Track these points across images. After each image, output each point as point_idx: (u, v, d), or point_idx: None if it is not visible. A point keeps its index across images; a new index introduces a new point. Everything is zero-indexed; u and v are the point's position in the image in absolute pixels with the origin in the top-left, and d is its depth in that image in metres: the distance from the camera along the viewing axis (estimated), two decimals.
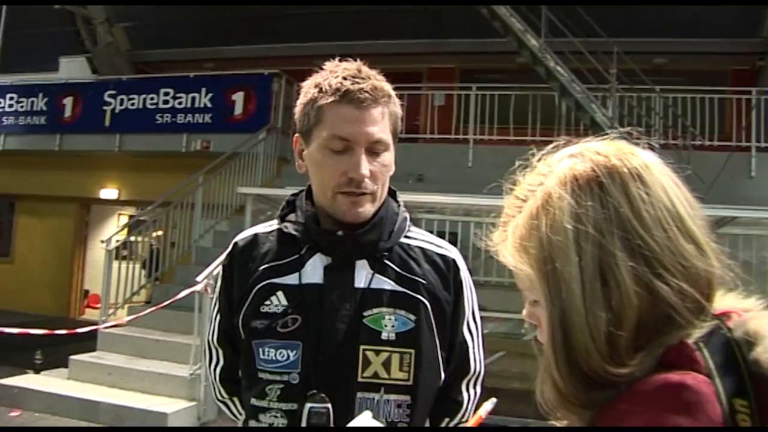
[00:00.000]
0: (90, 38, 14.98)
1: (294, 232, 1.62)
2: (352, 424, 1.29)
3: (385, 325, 1.53)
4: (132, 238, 10.86)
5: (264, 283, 1.59)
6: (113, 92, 12.84)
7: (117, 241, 9.10)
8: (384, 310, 1.54)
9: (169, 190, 10.02)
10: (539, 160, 0.98)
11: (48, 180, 13.96)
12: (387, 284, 1.57)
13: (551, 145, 0.99)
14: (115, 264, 9.50)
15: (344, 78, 1.54)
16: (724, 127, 10.72)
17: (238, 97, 12.11)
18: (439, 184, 10.07)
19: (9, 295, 14.08)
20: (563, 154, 0.96)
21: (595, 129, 10.03)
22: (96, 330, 7.91)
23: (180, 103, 12.34)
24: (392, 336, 1.53)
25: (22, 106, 13.60)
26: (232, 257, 1.69)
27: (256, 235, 1.69)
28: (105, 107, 12.79)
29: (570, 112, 10.61)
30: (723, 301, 0.92)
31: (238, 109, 12.02)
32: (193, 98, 12.30)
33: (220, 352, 1.73)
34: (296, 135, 1.65)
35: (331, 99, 1.53)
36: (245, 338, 1.60)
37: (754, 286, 0.96)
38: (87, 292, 15.23)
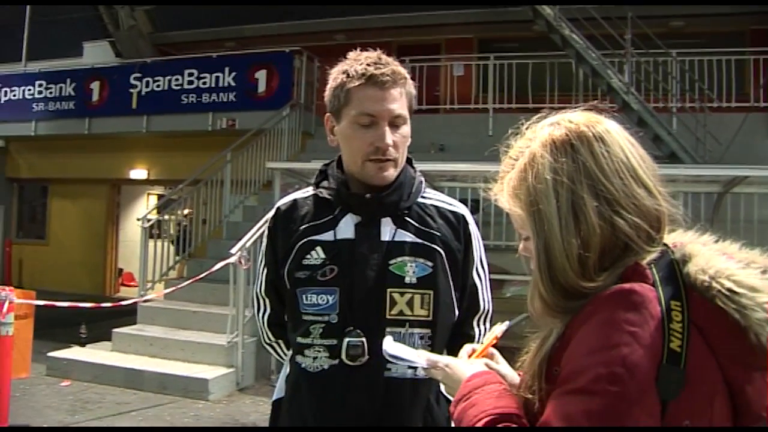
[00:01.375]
0: (112, 22, 15.22)
1: (328, 196, 1.91)
2: (387, 342, 1.56)
3: (408, 271, 1.82)
4: (165, 217, 11.20)
5: (305, 240, 1.88)
6: (138, 75, 13.11)
7: (148, 220, 9.38)
8: (406, 258, 1.83)
9: (199, 169, 10.31)
10: (527, 128, 1.27)
11: (79, 163, 14.40)
12: (408, 237, 1.86)
13: (536, 116, 1.27)
14: (150, 243, 9.85)
15: (368, 65, 1.82)
16: (743, 89, 10.76)
17: (261, 75, 12.34)
18: (461, 153, 10.26)
19: (46, 276, 14.56)
20: (544, 123, 1.25)
21: (612, 94, 10.18)
22: (136, 304, 8.27)
23: (204, 83, 12.60)
24: (414, 280, 1.83)
25: (51, 92, 13.95)
26: (276, 220, 1.99)
27: (295, 200, 1.98)
28: (131, 90, 13.10)
29: (587, 79, 10.68)
30: (677, 236, 1.22)
31: (262, 87, 12.25)
32: (217, 78, 12.55)
33: (267, 301, 2.03)
34: (327, 114, 1.92)
35: (357, 83, 1.81)
36: (290, 287, 1.89)
37: None
38: (121, 270, 15.67)
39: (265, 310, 2.05)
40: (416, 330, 1.82)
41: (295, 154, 11.48)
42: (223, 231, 10.37)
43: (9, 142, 15.37)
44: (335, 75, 1.89)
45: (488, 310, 2.01)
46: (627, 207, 1.13)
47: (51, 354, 7.75)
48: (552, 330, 1.18)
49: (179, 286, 7.51)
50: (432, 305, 1.83)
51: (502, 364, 1.43)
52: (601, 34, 10.33)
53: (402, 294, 1.81)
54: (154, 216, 9.60)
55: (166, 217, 10.71)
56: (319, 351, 1.83)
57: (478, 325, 1.98)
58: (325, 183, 1.95)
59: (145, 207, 15.75)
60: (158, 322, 8.37)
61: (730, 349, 1.06)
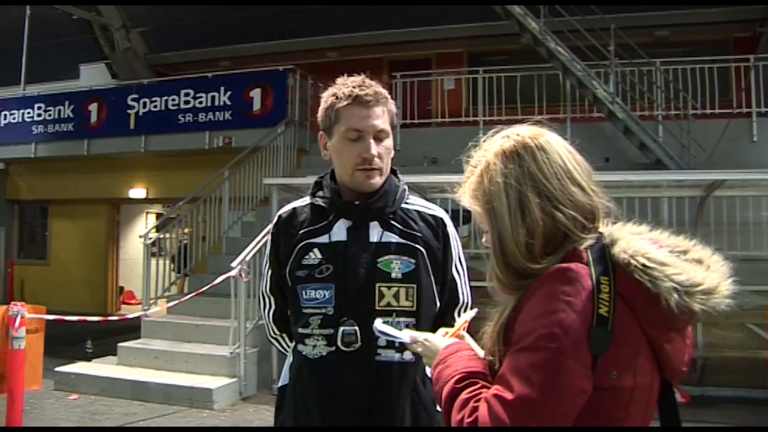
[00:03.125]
0: (108, 44, 15.55)
1: (323, 204, 2.21)
2: (376, 323, 1.84)
3: (394, 268, 2.11)
4: (164, 235, 11.43)
5: (303, 242, 2.17)
6: (135, 96, 13.39)
7: (150, 238, 9.60)
8: (392, 257, 2.12)
9: (197, 187, 10.55)
10: (484, 141, 1.56)
11: (78, 183, 14.64)
12: (393, 238, 2.16)
13: (492, 131, 1.56)
14: (152, 260, 10.09)
15: (354, 87, 2.12)
16: (727, 95, 11.01)
17: (256, 94, 12.59)
18: (453, 165, 10.49)
19: (48, 295, 14.62)
20: (498, 136, 1.53)
21: (598, 104, 10.47)
22: (140, 319, 8.51)
23: (200, 103, 12.86)
24: (399, 275, 2.12)
25: (50, 115, 14.21)
26: (278, 226, 2.28)
27: (294, 209, 2.28)
28: (129, 111, 13.36)
29: (575, 90, 10.98)
30: (616, 227, 1.49)
31: (257, 105, 12.51)
32: (213, 97, 12.82)
33: (272, 299, 2.32)
34: (320, 132, 2.22)
35: (345, 103, 2.11)
36: (292, 285, 2.17)
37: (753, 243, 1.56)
38: (122, 288, 15.87)
39: (270, 307, 2.34)
40: (402, 319, 2.09)
41: (290, 170, 11.74)
42: (222, 247, 10.59)
43: (9, 165, 15.61)
44: (326, 98, 2.19)
45: (467, 302, 2.29)
46: (564, 203, 1.40)
47: (58, 369, 7.98)
48: (508, 304, 1.45)
49: (183, 299, 7.76)
50: (416, 297, 2.11)
51: (470, 342, 1.69)
52: (585, 46, 10.64)
53: (389, 288, 2.10)
54: (155, 234, 9.81)
55: (167, 235, 10.89)
56: (318, 339, 2.11)
57: (459, 315, 2.25)
58: (320, 193, 2.24)
59: (144, 225, 15.98)
60: (162, 336, 8.59)
61: (649, 313, 1.33)
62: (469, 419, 1.33)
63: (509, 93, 11.56)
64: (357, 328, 2.06)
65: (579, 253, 1.38)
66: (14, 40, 15.45)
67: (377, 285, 2.09)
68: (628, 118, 10.16)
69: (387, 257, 2.11)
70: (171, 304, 8.12)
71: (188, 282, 10.40)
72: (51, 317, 6.15)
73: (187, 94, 13.01)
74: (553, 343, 1.28)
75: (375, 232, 2.14)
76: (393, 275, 2.10)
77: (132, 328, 8.98)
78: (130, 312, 11.65)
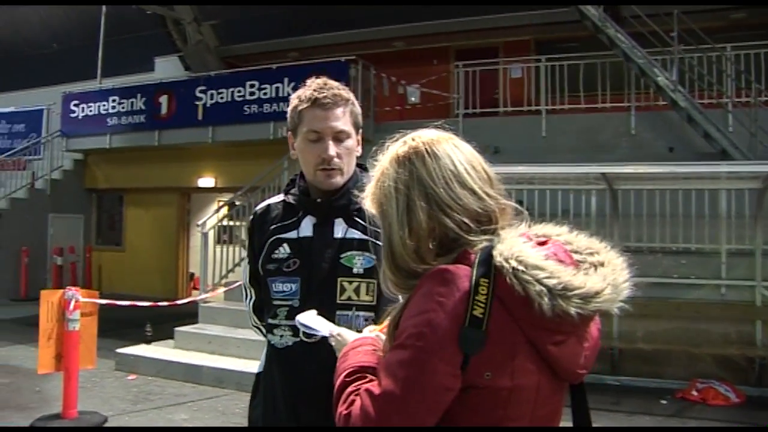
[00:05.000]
0: (180, 38, 15.99)
1: (293, 202, 2.28)
2: (302, 315, 1.90)
3: (356, 263, 2.16)
4: (230, 223, 11.75)
5: (274, 237, 2.25)
6: (203, 88, 13.77)
7: (210, 226, 9.90)
8: (355, 252, 2.17)
9: (256, 176, 10.79)
10: (389, 145, 1.56)
11: (151, 173, 15.21)
12: (356, 234, 2.20)
13: (398, 135, 1.57)
14: (217, 248, 10.42)
15: (314, 90, 2.19)
16: None
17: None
18: (515, 155, 10.43)
19: (123, 281, 15.44)
20: (399, 141, 1.54)
21: (660, 92, 10.19)
22: (196, 304, 8.80)
23: (265, 94, 13.11)
24: (361, 270, 2.17)
25: (123, 107, 14.79)
26: (253, 222, 2.37)
27: (269, 205, 2.36)
28: (197, 102, 13.76)
29: (640, 78, 10.71)
30: (542, 228, 1.54)
31: None
32: (277, 88, 13.04)
33: (252, 290, 2.41)
34: (289, 133, 2.30)
35: (306, 105, 2.18)
36: (263, 277, 2.26)
37: None
38: (192, 275, 16.35)
39: (250, 298, 2.43)
40: (362, 313, 2.15)
41: None
42: None
43: (87, 155, 16.34)
44: (292, 100, 2.27)
45: None
46: (453, 207, 1.42)
47: (119, 350, 8.37)
48: (400, 302, 1.49)
49: (233, 286, 7.96)
50: (375, 292, 2.16)
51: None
52: (650, 32, 10.35)
53: (350, 282, 2.16)
54: (213, 222, 10.08)
55: (231, 223, 11.19)
56: (285, 330, 2.19)
57: None
58: (293, 190, 2.32)
59: (215, 214, 16.42)
60: (218, 321, 8.86)
61: (526, 315, 1.33)
62: (346, 411, 1.39)
63: (572, 81, 11.41)
64: None
65: (467, 255, 1.40)
66: (92, 36, 16.08)
67: (339, 279, 2.15)
68: (691, 106, 9.86)
69: (350, 253, 2.17)
70: (223, 290, 8.35)
71: None
72: (103, 301, 6.44)
73: (252, 86, 13.28)
74: (420, 342, 1.31)
75: (339, 229, 2.20)
76: (354, 270, 2.16)
77: (194, 314, 9.28)
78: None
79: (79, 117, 15.48)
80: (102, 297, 6.58)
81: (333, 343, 1.73)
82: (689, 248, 8.59)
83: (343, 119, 2.19)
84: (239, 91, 13.40)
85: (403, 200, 1.45)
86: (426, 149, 1.48)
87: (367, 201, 1.57)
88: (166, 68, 16.19)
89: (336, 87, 2.22)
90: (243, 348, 8.07)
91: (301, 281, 2.18)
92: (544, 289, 1.31)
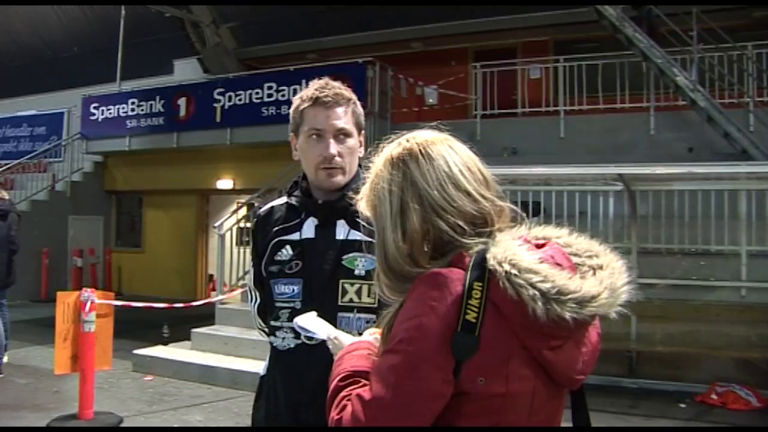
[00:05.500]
0: (199, 41, 16.11)
1: (295, 203, 2.27)
2: (301, 317, 1.87)
3: (357, 265, 2.14)
4: (248, 224, 11.75)
5: (277, 239, 2.25)
6: (222, 90, 13.83)
7: (227, 228, 9.92)
8: (357, 254, 2.15)
9: (272, 178, 10.80)
10: (384, 146, 1.54)
11: (169, 175, 15.30)
12: (358, 236, 2.17)
13: (394, 136, 1.55)
14: (235, 249, 10.44)
15: (315, 89, 2.20)
16: None
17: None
18: (533, 156, 10.38)
19: (142, 282, 15.55)
20: (393, 142, 1.52)
21: (680, 92, 10.08)
22: (213, 306, 8.83)
23: (283, 96, 13.09)
24: (363, 272, 2.14)
25: (142, 109, 14.89)
26: (256, 224, 2.36)
27: (272, 207, 2.35)
28: (215, 104, 13.81)
29: (659, 78, 10.61)
30: (541, 230, 1.51)
31: None
32: (295, 90, 12.98)
33: (256, 293, 2.39)
34: (291, 134, 2.29)
35: (307, 104, 2.20)
36: (266, 278, 2.25)
37: None
38: (211, 276, 16.39)
39: (255, 300, 2.41)
40: (363, 315, 2.13)
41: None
42: None
43: (107, 157, 16.49)
44: (295, 100, 2.27)
45: None
46: (447, 210, 1.39)
47: (136, 351, 8.41)
48: (394, 306, 1.46)
49: (245, 288, 7.94)
50: (377, 294, 2.10)
51: None
52: (668, 31, 10.26)
53: (352, 284, 2.14)
54: (228, 224, 10.11)
55: (242, 224, 11.21)
56: (287, 332, 2.18)
57: None
58: (295, 192, 2.31)
59: (236, 215, 16.48)
60: (234, 322, 8.87)
61: (520, 320, 1.30)
62: (337, 416, 1.37)
63: (590, 82, 11.32)
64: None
65: (462, 258, 1.38)
66: (112, 39, 16.20)
67: (341, 281, 2.14)
68: (711, 106, 9.74)
69: (352, 254, 2.15)
70: (237, 292, 8.37)
71: None
72: (118, 303, 6.47)
73: (270, 87, 13.30)
74: (411, 347, 1.29)
75: (342, 230, 2.18)
76: (356, 272, 2.14)
77: (211, 315, 9.31)
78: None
79: (99, 119, 15.61)
80: (122, 298, 6.63)
81: (330, 347, 1.70)
82: (708, 249, 8.49)
83: (344, 118, 2.19)
84: (257, 93, 13.43)
85: (396, 202, 1.43)
86: (420, 150, 1.46)
87: (362, 203, 1.55)
88: (185, 71, 16.28)
89: (337, 87, 2.23)
90: (258, 349, 8.05)
91: (303, 283, 2.17)
92: (537, 293, 1.28)
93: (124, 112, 15.14)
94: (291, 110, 2.27)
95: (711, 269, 8.13)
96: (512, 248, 1.35)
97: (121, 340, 8.02)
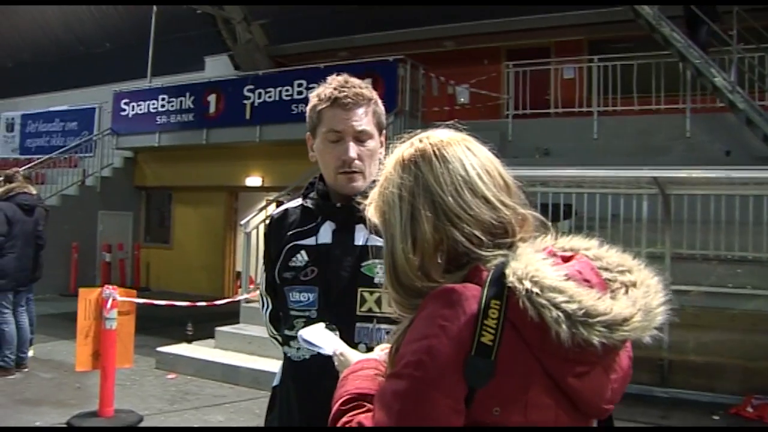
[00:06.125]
0: (230, 37, 16.08)
1: (311, 206, 2.14)
2: (306, 330, 1.74)
3: (377, 272, 2.00)
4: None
5: (291, 244, 2.11)
6: (251, 87, 13.79)
7: (254, 226, 9.85)
8: (376, 261, 1.99)
9: (301, 176, 10.71)
10: (397, 145, 1.40)
11: (199, 171, 15.32)
12: (379, 242, 1.99)
13: (407, 135, 1.41)
14: (262, 247, 10.32)
15: (334, 88, 2.06)
16: None
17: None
18: (565, 157, 10.19)
19: (170, 278, 15.61)
20: (406, 142, 1.38)
21: (718, 94, 9.82)
22: (238, 304, 8.76)
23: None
24: (383, 280, 1.97)
25: (172, 106, 14.93)
26: (270, 227, 2.24)
27: (286, 210, 2.23)
28: (245, 101, 13.78)
29: (696, 79, 10.35)
30: (568, 241, 1.36)
31: None
32: None
33: (268, 299, 2.27)
34: (308, 133, 2.16)
35: (325, 105, 2.06)
36: (279, 285, 2.12)
37: None
38: (239, 273, 16.37)
39: (267, 307, 2.30)
40: (383, 326, 1.98)
41: None
42: None
43: (137, 153, 16.57)
44: (312, 99, 2.14)
45: None
46: (462, 218, 1.25)
47: (159, 349, 8.39)
48: (403, 323, 1.32)
49: None
50: None
51: None
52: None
53: (371, 293, 2.00)
54: (255, 222, 10.03)
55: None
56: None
57: None
58: (311, 194, 2.17)
59: (263, 213, 16.44)
60: (258, 322, 8.73)
61: (542, 344, 1.15)
62: None
63: (625, 82, 11.09)
64: (337, 333, 1.93)
65: (478, 273, 1.23)
66: (144, 35, 16.27)
67: (359, 290, 2.00)
68: (750, 108, 9.47)
69: (371, 261, 2.01)
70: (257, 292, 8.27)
71: None
72: (141, 300, 6.41)
73: (300, 85, 13.24)
74: (419, 372, 1.16)
75: (361, 236, 2.05)
76: (376, 280, 1.99)
77: (236, 314, 9.24)
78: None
79: (129, 115, 15.68)
80: (149, 294, 6.56)
81: (336, 363, 1.58)
82: (746, 257, 8.24)
83: (365, 119, 2.06)
84: (287, 90, 13.37)
85: (407, 209, 1.29)
86: (434, 152, 1.32)
87: (370, 208, 1.41)
88: (217, 67, 16.26)
89: (358, 85, 2.09)
90: (281, 349, 7.98)
91: (319, 291, 2.04)
92: (561, 315, 1.13)
93: (154, 108, 15.20)
94: (308, 109, 2.13)
95: (748, 277, 7.88)
96: (535, 263, 1.20)
97: (145, 336, 8.02)
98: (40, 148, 17.81)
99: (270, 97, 13.62)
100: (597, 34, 13.51)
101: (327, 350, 1.64)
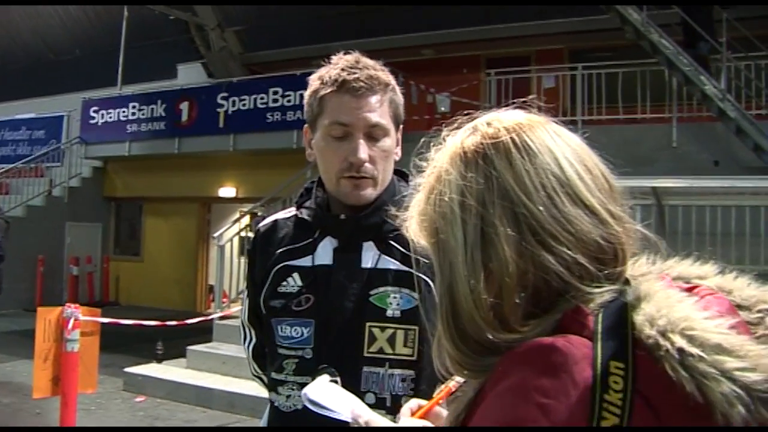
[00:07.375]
0: (204, 44, 15.75)
1: (307, 218, 1.69)
2: (311, 388, 1.31)
3: (390, 303, 1.58)
4: (251, 234, 11.28)
5: (281, 265, 1.67)
6: (225, 94, 13.40)
7: (228, 238, 9.47)
8: (389, 288, 1.59)
9: (276, 187, 10.33)
10: (448, 135, 0.96)
11: (170, 182, 14.84)
12: (392, 264, 1.60)
13: (458, 122, 0.97)
14: (237, 259, 9.94)
15: (342, 69, 1.60)
16: None
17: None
18: None
19: (141, 292, 15.09)
20: (463, 128, 0.95)
21: (707, 102, 9.60)
22: (210, 321, 8.31)
23: (289, 101, 12.66)
24: (397, 313, 1.57)
25: (143, 114, 14.47)
26: (255, 243, 1.78)
27: (276, 222, 1.77)
28: (218, 109, 13.38)
29: (682, 87, 10.15)
30: (671, 265, 0.96)
31: None
32: (301, 95, 12.35)
33: (252, 330, 1.83)
34: (305, 126, 1.71)
35: (330, 89, 1.59)
36: (266, 316, 1.68)
37: None
38: (212, 287, 15.93)
39: (250, 340, 1.86)
40: (397, 371, 1.57)
41: None
42: None
43: (107, 163, 16.05)
44: (311, 82, 1.68)
45: None
46: (558, 235, 0.84)
47: (127, 369, 7.91)
48: (468, 390, 0.91)
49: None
50: (417, 343, 1.57)
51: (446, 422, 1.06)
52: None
53: (383, 329, 1.58)
54: (229, 234, 9.63)
55: (243, 234, 10.73)
56: (293, 389, 1.61)
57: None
58: (307, 203, 1.73)
59: (237, 225, 16.03)
60: (233, 340, 8.30)
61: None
62: None
63: (610, 91, 10.86)
64: (339, 378, 1.52)
65: (582, 318, 0.81)
66: (114, 42, 15.80)
67: (367, 325, 1.57)
68: (741, 117, 9.23)
69: (383, 289, 1.59)
70: (236, 309, 7.84)
71: None
72: (105, 320, 5.94)
73: (275, 93, 12.88)
74: None
75: (369, 256, 1.62)
76: (389, 313, 1.57)
77: (209, 329, 8.79)
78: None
79: (99, 123, 15.20)
80: (119, 309, 6.13)
81: None
82: (743, 270, 7.94)
83: (380, 110, 1.60)
84: (262, 98, 13.00)
85: (474, 224, 0.86)
86: (513, 140, 0.88)
87: (413, 225, 0.95)
88: (190, 75, 15.91)
89: (372, 66, 1.63)
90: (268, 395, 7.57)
91: (316, 325, 1.60)
92: (737, 389, 0.71)
93: (124, 116, 14.72)
94: (306, 94, 1.67)
95: None
96: (676, 304, 0.79)
97: (111, 354, 7.56)
98: (5, 158, 17.19)
99: (244, 105, 13.23)
100: (578, 43, 13.37)
101: (343, 415, 1.19)
